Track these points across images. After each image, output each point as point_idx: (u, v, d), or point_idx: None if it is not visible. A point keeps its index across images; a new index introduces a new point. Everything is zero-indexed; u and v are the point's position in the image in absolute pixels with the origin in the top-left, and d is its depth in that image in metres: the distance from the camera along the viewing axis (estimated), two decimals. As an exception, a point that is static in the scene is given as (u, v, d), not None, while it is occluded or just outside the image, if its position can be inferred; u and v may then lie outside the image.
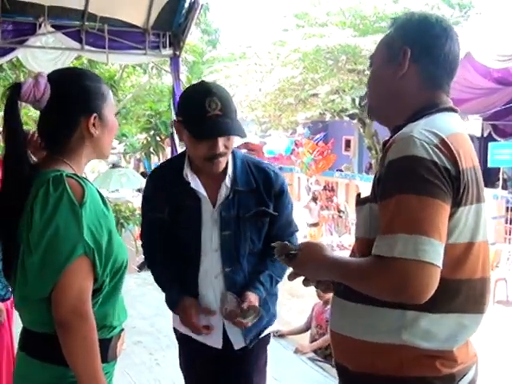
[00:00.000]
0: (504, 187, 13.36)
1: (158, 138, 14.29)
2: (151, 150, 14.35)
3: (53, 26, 6.84)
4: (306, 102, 17.57)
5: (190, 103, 2.72)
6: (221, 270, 2.80)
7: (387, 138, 2.06)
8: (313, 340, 6.81)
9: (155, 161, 16.18)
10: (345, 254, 2.26)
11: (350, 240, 14.25)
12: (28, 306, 2.14)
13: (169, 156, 12.21)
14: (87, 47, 7.10)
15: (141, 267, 10.12)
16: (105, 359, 2.20)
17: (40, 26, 6.75)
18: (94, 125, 2.16)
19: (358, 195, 2.12)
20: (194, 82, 2.81)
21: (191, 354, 2.99)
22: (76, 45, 7.04)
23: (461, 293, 1.91)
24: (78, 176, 2.10)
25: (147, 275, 6.06)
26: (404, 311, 1.88)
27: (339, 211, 15.96)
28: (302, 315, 7.94)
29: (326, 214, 15.78)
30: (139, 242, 3.15)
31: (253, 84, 17.32)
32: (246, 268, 2.86)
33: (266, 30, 19.33)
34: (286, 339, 7.00)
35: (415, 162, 1.78)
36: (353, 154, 21.39)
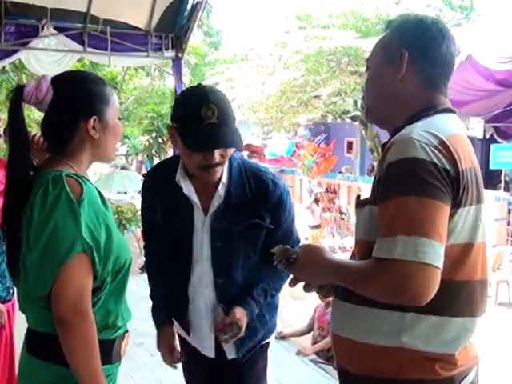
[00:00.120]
0: (506, 189, 13.33)
1: (160, 140, 14.28)
2: (153, 152, 14.35)
3: (55, 29, 6.84)
4: (307, 104, 17.57)
5: (184, 110, 2.56)
6: (212, 281, 2.72)
7: (386, 140, 2.06)
8: (315, 342, 6.81)
9: (157, 163, 16.14)
10: (346, 257, 2.26)
11: (351, 242, 14.16)
12: (31, 305, 2.15)
13: (171, 158, 12.18)
14: (90, 49, 7.10)
15: (143, 269, 10.11)
16: (108, 360, 2.21)
17: (43, 28, 6.76)
18: (94, 127, 2.16)
19: (358, 197, 2.12)
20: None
21: (189, 357, 2.96)
22: (78, 47, 7.05)
23: (461, 294, 1.91)
24: (77, 175, 2.11)
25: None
26: (404, 313, 1.87)
27: (341, 213, 15.96)
28: (304, 317, 7.94)
29: (327, 216, 15.77)
30: (142, 243, 3.12)
31: (255, 86, 17.32)
32: (240, 280, 2.74)
33: (268, 32, 19.36)
34: (288, 341, 7.00)
35: (415, 164, 1.78)
36: (355, 156, 21.39)
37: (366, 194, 2.05)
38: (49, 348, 2.08)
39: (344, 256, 2.28)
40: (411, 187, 1.77)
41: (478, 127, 12.55)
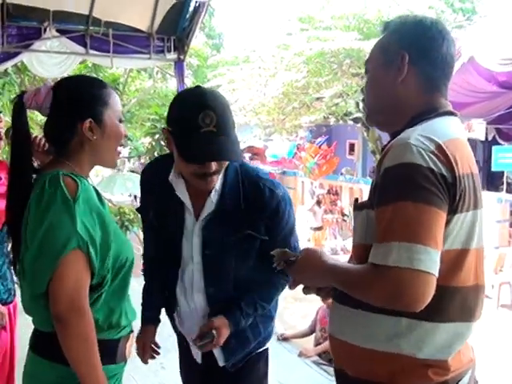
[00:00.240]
0: (508, 191, 13.33)
1: (162, 143, 14.28)
2: (156, 154, 14.36)
3: (58, 31, 6.85)
4: (309, 106, 17.57)
5: (181, 115, 2.43)
6: (203, 289, 2.65)
7: (386, 143, 2.06)
8: (317, 343, 6.83)
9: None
10: (347, 259, 2.27)
11: (353, 244, 14.22)
12: (34, 305, 2.17)
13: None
14: (92, 51, 7.10)
15: (145, 270, 10.07)
16: (113, 360, 2.23)
17: (45, 30, 6.76)
18: (91, 129, 2.19)
19: (356, 200, 2.13)
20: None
21: (185, 359, 2.95)
22: (81, 49, 7.05)
23: (455, 300, 1.91)
24: (75, 174, 2.13)
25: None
26: (400, 318, 1.88)
27: (343, 215, 15.96)
28: (306, 319, 7.96)
29: (329, 217, 15.77)
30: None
31: (256, 88, 17.32)
32: (231, 290, 2.66)
33: (270, 34, 19.34)
34: (290, 342, 7.01)
35: (412, 169, 1.78)
36: (357, 158, 21.37)
37: (366, 196, 2.05)
38: (52, 347, 2.09)
39: (346, 258, 2.27)
40: (407, 193, 1.77)
41: (479, 129, 12.53)
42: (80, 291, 2.05)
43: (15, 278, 2.73)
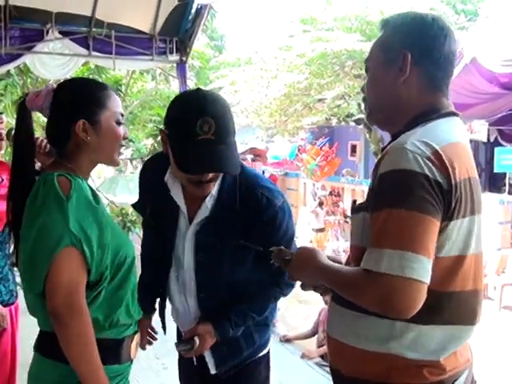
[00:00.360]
0: (510, 192, 13.31)
1: (164, 144, 14.25)
2: (158, 155, 14.31)
3: (60, 33, 6.85)
4: (311, 108, 17.57)
5: (178, 119, 2.34)
6: (194, 291, 2.61)
7: (386, 144, 2.06)
8: (320, 345, 6.83)
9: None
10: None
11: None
12: (35, 304, 2.19)
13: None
14: (94, 53, 7.11)
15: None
16: (116, 360, 2.23)
17: (47, 32, 6.76)
18: (86, 130, 2.20)
19: (354, 202, 2.13)
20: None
21: (183, 362, 2.93)
22: (83, 51, 7.06)
23: (451, 305, 1.91)
24: (70, 174, 2.15)
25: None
26: (394, 321, 1.89)
27: (345, 216, 15.93)
28: (307, 321, 7.95)
29: (332, 219, 15.74)
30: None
31: (259, 89, 17.33)
32: (224, 296, 2.60)
33: (272, 36, 19.35)
34: (293, 344, 7.01)
35: (406, 176, 1.77)
36: (358, 159, 21.35)
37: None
38: (53, 346, 2.10)
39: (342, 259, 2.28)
40: (401, 200, 1.77)
41: (482, 130, 12.54)
42: (75, 288, 2.06)
43: (17, 279, 2.74)
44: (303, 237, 13.98)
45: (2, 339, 3.70)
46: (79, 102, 2.23)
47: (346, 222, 15.80)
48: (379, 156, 1.94)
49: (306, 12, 17.34)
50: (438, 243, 1.82)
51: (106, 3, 6.76)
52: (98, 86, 2.31)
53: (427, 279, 1.75)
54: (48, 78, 8.11)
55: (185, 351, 2.53)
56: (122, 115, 2.32)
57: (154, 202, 2.66)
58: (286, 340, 7.17)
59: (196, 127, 2.23)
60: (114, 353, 2.24)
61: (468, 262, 1.92)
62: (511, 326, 8.67)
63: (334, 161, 16.55)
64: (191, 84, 14.04)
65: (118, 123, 2.29)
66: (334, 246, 14.72)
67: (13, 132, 3.53)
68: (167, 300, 2.78)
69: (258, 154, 19.23)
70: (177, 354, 2.74)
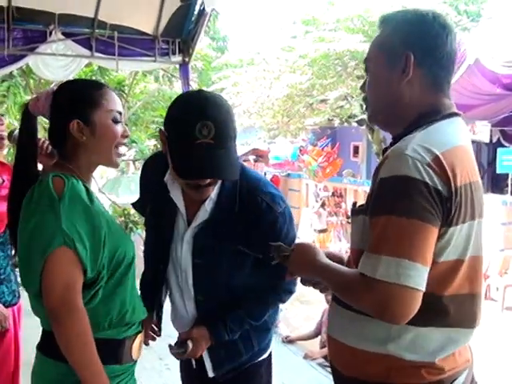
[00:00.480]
0: (513, 193, 13.31)
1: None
2: (160, 156, 14.29)
3: (63, 34, 6.86)
4: (314, 108, 17.56)
5: (178, 121, 2.30)
6: (192, 294, 2.58)
7: (387, 146, 2.05)
8: (323, 346, 6.82)
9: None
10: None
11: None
12: (35, 304, 2.20)
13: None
14: (97, 54, 7.12)
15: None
16: (117, 360, 2.24)
17: (50, 33, 6.77)
18: (80, 130, 2.20)
19: (354, 204, 2.12)
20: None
21: (184, 364, 2.90)
22: (86, 52, 7.07)
23: (449, 308, 1.91)
24: (65, 174, 2.15)
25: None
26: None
27: (347, 217, 15.93)
28: (309, 321, 7.95)
29: (334, 220, 15.75)
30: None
31: (261, 90, 17.32)
32: (222, 300, 2.57)
33: (274, 37, 19.32)
34: (295, 345, 7.00)
35: (406, 183, 1.77)
36: (361, 160, 21.33)
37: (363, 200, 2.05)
38: (53, 345, 2.11)
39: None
40: (400, 207, 1.76)
41: (484, 131, 12.54)
42: (70, 287, 2.06)
43: (19, 280, 2.76)
44: (305, 238, 13.98)
45: (4, 339, 3.71)
46: (72, 102, 2.23)
47: (349, 222, 15.77)
48: (380, 159, 1.93)
49: (308, 13, 17.32)
50: (436, 249, 1.82)
51: (108, 4, 6.77)
52: (93, 86, 2.31)
53: (423, 287, 1.76)
54: (51, 79, 8.13)
55: (178, 354, 2.53)
56: (120, 113, 2.30)
57: (153, 202, 2.64)
58: (289, 341, 7.16)
59: (195, 130, 2.19)
60: (113, 353, 2.24)
61: (466, 265, 1.92)
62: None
63: (335, 161, 16.54)
64: (194, 85, 14.06)
65: (115, 122, 2.27)
66: (337, 247, 14.73)
67: (14, 133, 3.56)
68: (166, 301, 2.77)
69: (260, 155, 19.24)
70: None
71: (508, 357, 7.15)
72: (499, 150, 12.81)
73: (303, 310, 9.13)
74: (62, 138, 2.24)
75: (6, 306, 3.68)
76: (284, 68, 16.58)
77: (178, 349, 2.50)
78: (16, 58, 6.90)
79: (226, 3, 8.62)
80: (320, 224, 15.53)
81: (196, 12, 7.25)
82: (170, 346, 2.55)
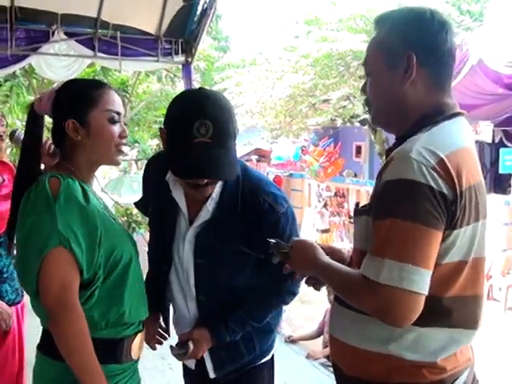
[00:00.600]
0: (515, 193, 13.29)
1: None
2: (163, 156, 14.28)
3: (66, 34, 6.85)
4: (316, 108, 17.54)
5: (176, 119, 2.28)
6: (194, 294, 2.57)
7: (392, 145, 2.05)
8: (325, 346, 6.83)
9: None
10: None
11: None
12: (35, 303, 2.21)
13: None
14: (100, 54, 7.11)
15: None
16: (115, 359, 2.25)
17: (53, 33, 6.76)
18: (76, 130, 2.21)
19: (357, 205, 2.13)
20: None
21: (185, 365, 2.90)
22: (89, 52, 7.06)
23: (451, 309, 1.92)
24: (61, 175, 2.16)
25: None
26: None
27: (350, 217, 15.92)
28: (311, 321, 7.95)
29: (336, 220, 15.74)
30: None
31: (263, 90, 17.31)
32: (225, 298, 2.56)
33: (276, 37, 19.30)
34: (298, 344, 7.01)
35: (411, 187, 1.77)
36: (363, 160, 21.31)
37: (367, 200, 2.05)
38: (51, 344, 2.13)
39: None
40: (405, 211, 1.76)
41: (487, 131, 12.53)
42: (67, 287, 2.08)
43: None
44: (308, 238, 13.95)
45: (8, 337, 3.72)
46: (70, 101, 2.25)
47: (351, 222, 15.76)
48: (385, 160, 1.93)
49: (310, 13, 17.31)
50: (440, 250, 1.82)
51: (111, 4, 6.75)
52: (92, 86, 2.31)
53: (426, 291, 1.77)
54: (53, 80, 8.13)
55: (179, 355, 2.52)
56: (119, 114, 2.30)
57: (155, 202, 2.64)
58: (291, 340, 7.17)
59: (193, 129, 2.18)
60: (112, 352, 2.25)
61: (469, 266, 1.92)
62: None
63: (337, 161, 16.53)
64: (196, 85, 14.05)
65: (112, 122, 2.27)
66: (340, 247, 14.70)
67: (16, 133, 3.57)
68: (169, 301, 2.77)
69: (262, 155, 19.24)
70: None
71: (510, 357, 7.14)
72: (502, 150, 12.79)
73: (305, 309, 9.12)
74: (61, 138, 2.26)
75: (10, 305, 3.69)
76: (286, 68, 16.57)
77: (178, 350, 2.50)
78: (19, 57, 6.89)
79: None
80: (322, 224, 15.52)
81: (199, 12, 7.24)
82: (171, 346, 2.55)
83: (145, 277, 2.78)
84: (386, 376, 1.95)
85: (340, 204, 16.05)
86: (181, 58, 7.55)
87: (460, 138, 1.93)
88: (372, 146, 18.83)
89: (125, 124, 2.35)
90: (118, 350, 2.27)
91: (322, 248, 2.18)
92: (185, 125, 2.20)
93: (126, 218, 10.28)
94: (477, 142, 11.89)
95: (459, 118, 2.00)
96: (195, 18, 7.32)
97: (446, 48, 1.97)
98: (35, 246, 2.08)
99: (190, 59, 7.59)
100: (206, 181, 2.31)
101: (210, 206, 2.45)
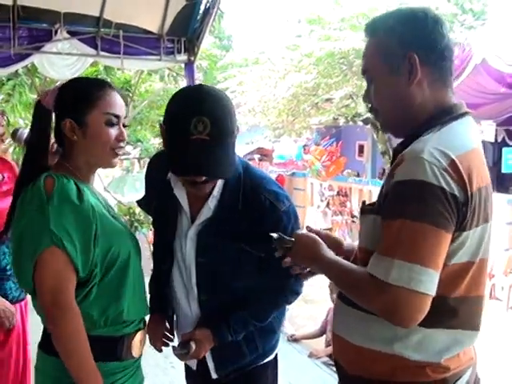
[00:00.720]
0: (518, 192, 13.28)
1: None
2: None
3: (68, 33, 6.87)
4: (319, 107, 17.52)
5: (174, 116, 2.26)
6: (196, 294, 2.56)
7: (397, 146, 2.04)
8: (328, 344, 6.83)
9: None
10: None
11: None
12: (34, 302, 2.22)
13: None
14: (102, 53, 7.13)
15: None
16: (115, 357, 2.25)
17: (56, 32, 6.79)
18: (71, 130, 2.21)
19: (363, 203, 2.12)
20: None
21: (187, 366, 2.88)
22: (91, 51, 7.08)
23: (456, 310, 1.92)
24: (57, 174, 2.16)
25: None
26: None
27: (352, 216, 15.94)
28: (313, 320, 7.95)
29: (339, 219, 15.75)
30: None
31: (266, 90, 17.30)
32: (227, 297, 2.55)
33: (279, 36, 19.27)
34: (300, 343, 7.01)
35: (422, 188, 1.76)
36: (366, 159, 21.29)
37: (375, 198, 2.04)
38: (50, 342, 2.14)
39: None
40: (416, 212, 1.76)
41: (489, 131, 12.51)
42: (61, 287, 2.08)
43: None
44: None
45: (13, 334, 3.72)
46: (69, 100, 2.24)
47: (354, 221, 15.81)
48: (395, 160, 1.91)
49: (313, 12, 17.28)
50: (449, 252, 1.82)
51: (114, 3, 6.77)
52: (94, 86, 2.29)
53: (433, 292, 1.77)
54: (56, 78, 8.14)
55: (181, 355, 2.50)
56: (117, 117, 2.28)
57: (158, 200, 2.63)
58: (294, 339, 7.17)
59: (190, 126, 2.15)
60: (111, 350, 2.25)
61: (475, 267, 1.93)
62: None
63: (339, 160, 16.52)
64: (199, 84, 14.02)
65: (110, 124, 2.25)
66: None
67: (18, 132, 3.56)
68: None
69: (265, 154, 19.22)
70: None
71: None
72: (504, 149, 12.78)
73: (308, 308, 9.12)
74: (60, 137, 2.27)
75: (14, 302, 3.69)
76: (289, 67, 16.54)
77: (180, 350, 2.49)
78: (21, 56, 6.91)
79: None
80: (325, 223, 15.54)
81: (201, 11, 7.25)
82: (173, 347, 2.55)
83: (150, 277, 2.81)
84: (390, 375, 1.95)
85: (342, 203, 16.06)
86: (183, 57, 7.56)
87: (469, 140, 1.93)
88: (375, 145, 18.81)
89: (125, 126, 2.34)
90: (119, 348, 2.27)
91: (319, 234, 2.21)
92: (182, 121, 2.18)
93: (128, 217, 10.28)
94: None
95: (467, 118, 2.00)
96: (198, 17, 7.33)
97: (444, 43, 1.96)
98: (29, 246, 2.08)
99: (192, 58, 7.60)
100: (203, 178, 2.28)
101: (211, 203, 2.44)
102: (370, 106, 2.18)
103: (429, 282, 1.75)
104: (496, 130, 12.92)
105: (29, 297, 3.68)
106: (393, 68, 1.98)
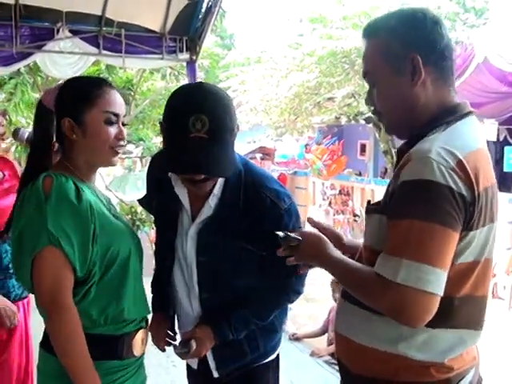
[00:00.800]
0: (520, 191, 13.25)
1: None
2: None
3: (71, 31, 6.88)
4: (321, 106, 17.52)
5: (173, 113, 2.24)
6: (197, 292, 2.55)
7: (403, 144, 2.03)
8: (330, 343, 6.83)
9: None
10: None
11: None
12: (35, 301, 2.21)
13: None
14: (104, 52, 7.14)
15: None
16: (115, 356, 2.25)
17: (58, 31, 6.79)
18: (70, 129, 2.21)
19: (369, 202, 2.12)
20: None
21: (188, 365, 2.87)
22: (93, 50, 7.08)
23: (462, 310, 1.92)
24: (55, 174, 2.16)
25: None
26: None
27: (354, 215, 15.94)
28: (315, 319, 7.94)
29: (341, 218, 15.75)
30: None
31: (268, 88, 17.29)
32: (229, 295, 2.53)
33: (281, 35, 19.26)
34: (302, 342, 7.00)
35: (430, 187, 1.76)
36: (368, 158, 21.28)
37: (377, 197, 2.04)
38: (49, 340, 2.14)
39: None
40: (424, 212, 1.76)
41: (491, 129, 12.49)
42: (58, 287, 2.08)
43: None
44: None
45: (15, 332, 3.72)
46: (69, 99, 2.24)
47: (355, 220, 15.81)
48: (402, 159, 1.90)
49: (315, 11, 17.27)
50: (456, 251, 1.82)
51: (116, 2, 6.78)
52: (93, 85, 2.29)
53: (441, 291, 1.77)
54: (58, 77, 8.15)
55: (182, 354, 2.49)
56: (117, 115, 2.28)
57: (159, 198, 2.62)
58: (296, 338, 7.17)
59: (188, 124, 2.14)
60: (111, 349, 2.25)
61: (480, 267, 1.93)
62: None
63: (340, 159, 16.53)
64: (201, 83, 14.03)
65: (109, 123, 2.25)
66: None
67: (20, 131, 3.57)
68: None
69: (267, 153, 19.23)
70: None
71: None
72: (506, 148, 12.76)
73: (310, 307, 9.12)
74: (60, 136, 2.27)
75: (17, 300, 3.69)
76: (291, 66, 16.53)
77: (181, 348, 2.48)
78: (23, 55, 6.92)
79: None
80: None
81: (203, 10, 7.25)
82: (174, 345, 2.54)
83: (152, 276, 2.82)
84: (393, 374, 1.95)
85: (344, 202, 16.06)
86: (185, 56, 7.56)
87: (475, 140, 1.93)
88: (377, 144, 18.80)
89: (124, 124, 2.33)
90: (119, 347, 2.27)
91: (319, 225, 2.23)
92: (181, 119, 2.16)
93: (130, 216, 10.29)
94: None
95: (471, 117, 2.00)
96: (200, 16, 7.33)
97: (444, 43, 1.96)
98: (27, 245, 2.09)
99: (194, 57, 7.60)
100: (202, 176, 2.26)
101: (212, 202, 2.42)
102: (372, 108, 2.17)
103: (436, 282, 1.75)
104: (498, 129, 12.91)
105: (31, 295, 3.70)
106: (396, 69, 1.98)
